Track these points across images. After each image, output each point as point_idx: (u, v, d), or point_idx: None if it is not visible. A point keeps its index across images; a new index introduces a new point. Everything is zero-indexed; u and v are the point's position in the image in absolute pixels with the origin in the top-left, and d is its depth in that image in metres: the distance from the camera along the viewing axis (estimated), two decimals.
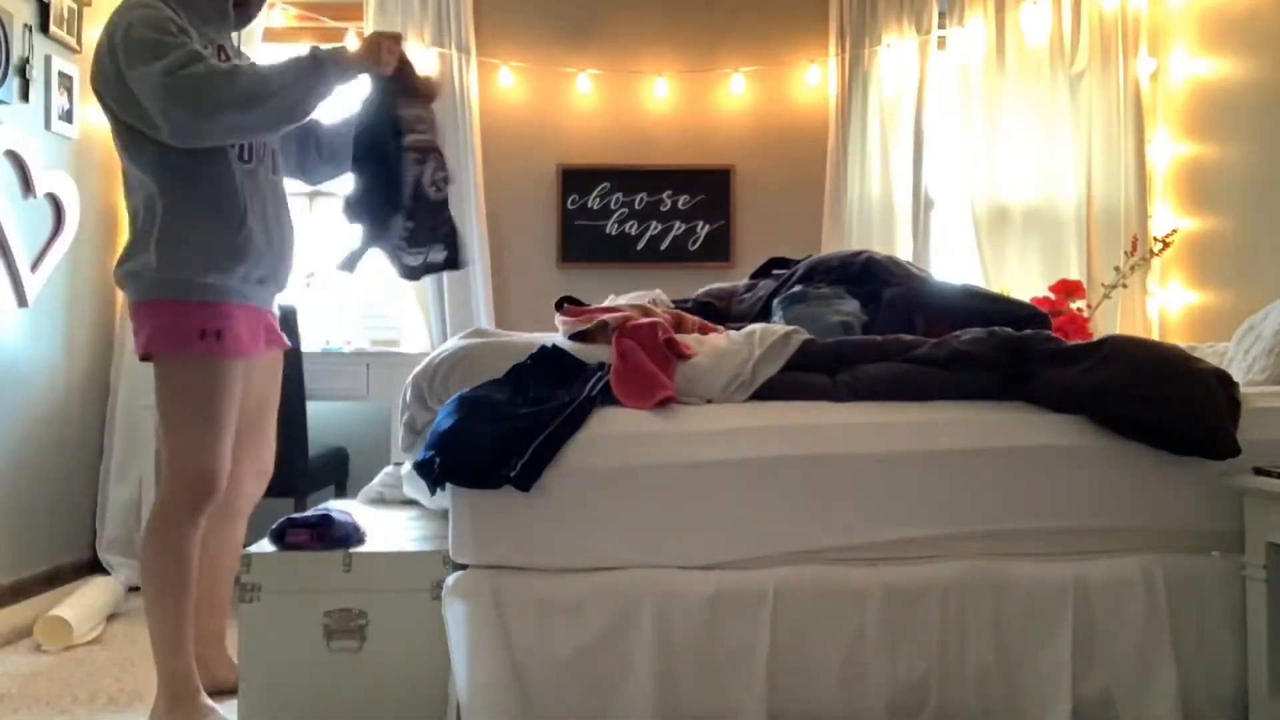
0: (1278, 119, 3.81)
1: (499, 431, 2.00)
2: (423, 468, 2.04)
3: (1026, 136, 4.55)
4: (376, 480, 2.92)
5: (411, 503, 2.68)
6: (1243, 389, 2.22)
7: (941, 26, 4.61)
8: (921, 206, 4.60)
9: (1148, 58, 4.59)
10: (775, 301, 2.74)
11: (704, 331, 2.51)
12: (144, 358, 2.38)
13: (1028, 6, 4.58)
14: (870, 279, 2.76)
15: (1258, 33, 3.96)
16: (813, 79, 4.70)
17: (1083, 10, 4.57)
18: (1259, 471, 2.05)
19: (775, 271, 3.03)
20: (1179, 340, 4.20)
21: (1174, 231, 4.27)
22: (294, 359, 3.64)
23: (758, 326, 2.42)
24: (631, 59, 4.70)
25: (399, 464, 2.94)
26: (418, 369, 2.33)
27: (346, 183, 2.51)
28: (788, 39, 4.71)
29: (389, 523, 2.54)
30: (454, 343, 2.37)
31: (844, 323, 2.58)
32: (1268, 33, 3.88)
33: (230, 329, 2.34)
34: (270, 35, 4.54)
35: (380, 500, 2.83)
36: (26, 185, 3.69)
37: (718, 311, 2.93)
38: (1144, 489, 2.14)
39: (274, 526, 2.32)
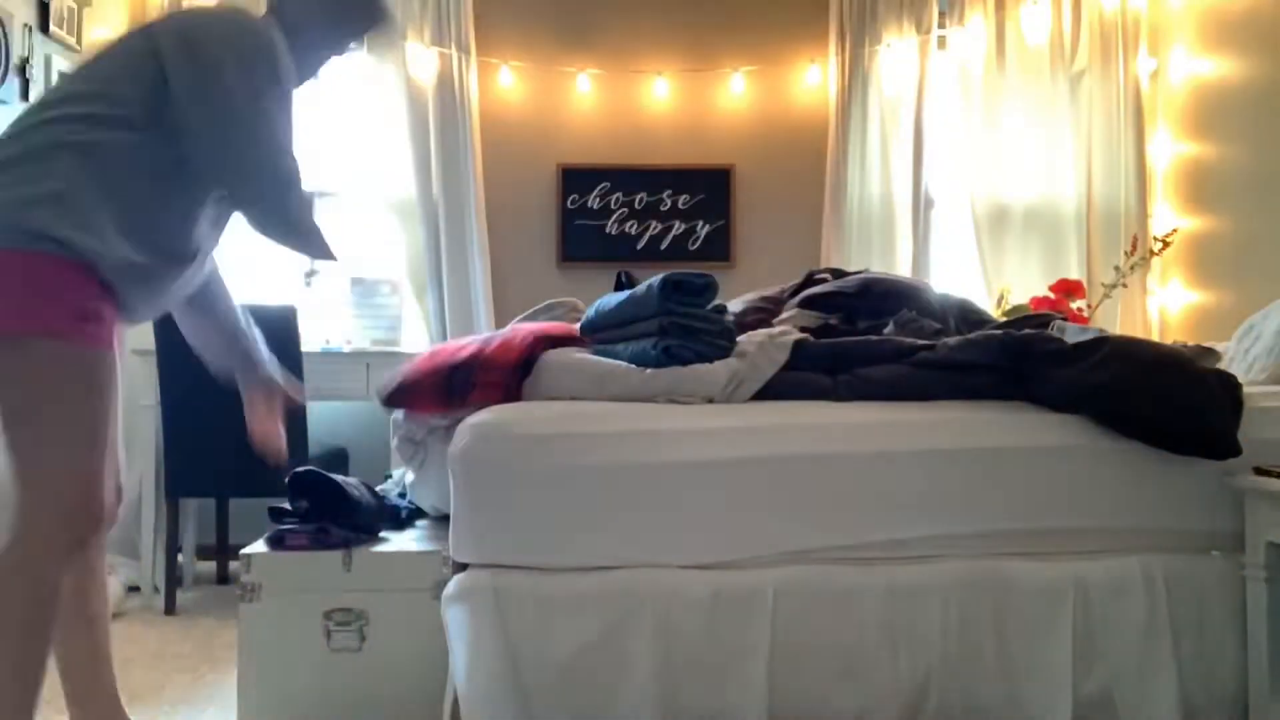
0: (1278, 119, 3.81)
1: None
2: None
3: (1026, 136, 4.56)
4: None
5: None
6: (1245, 389, 2.22)
7: (941, 26, 4.62)
8: (921, 206, 4.60)
9: (1148, 57, 4.59)
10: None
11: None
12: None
13: (1028, 6, 4.58)
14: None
15: (1258, 32, 3.96)
16: (813, 78, 4.69)
17: (1083, 10, 4.57)
18: (1259, 471, 2.05)
19: (818, 275, 3.06)
20: (1179, 340, 4.20)
21: (1174, 231, 4.27)
22: (294, 359, 3.64)
23: (761, 330, 2.42)
24: (631, 59, 4.70)
25: (388, 475, 2.94)
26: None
27: None
28: (788, 38, 4.71)
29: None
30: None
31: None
32: (1268, 32, 3.88)
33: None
34: None
35: None
36: None
37: (767, 318, 2.93)
38: (1144, 489, 2.14)
39: (270, 534, 2.31)
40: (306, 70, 2.15)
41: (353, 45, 2.24)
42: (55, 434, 1.81)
